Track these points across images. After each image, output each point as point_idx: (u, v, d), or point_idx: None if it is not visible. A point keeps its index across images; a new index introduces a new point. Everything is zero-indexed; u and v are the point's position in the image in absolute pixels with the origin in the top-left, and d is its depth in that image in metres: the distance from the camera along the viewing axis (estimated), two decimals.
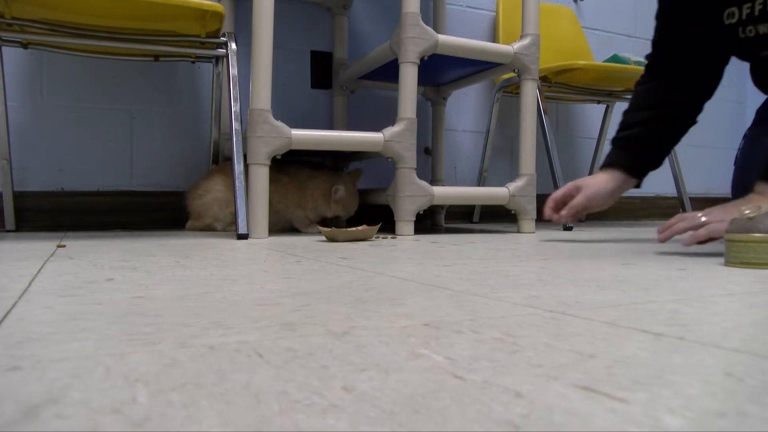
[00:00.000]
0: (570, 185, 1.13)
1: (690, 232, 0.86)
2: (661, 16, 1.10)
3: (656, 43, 1.13)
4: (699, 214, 0.87)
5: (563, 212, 1.10)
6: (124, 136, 1.62)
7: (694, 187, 2.48)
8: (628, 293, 0.52)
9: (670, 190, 2.21)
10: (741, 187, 1.16)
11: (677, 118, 1.12)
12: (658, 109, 1.11)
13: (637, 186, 1.15)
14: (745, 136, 1.20)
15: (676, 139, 1.14)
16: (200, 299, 0.49)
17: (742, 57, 1.01)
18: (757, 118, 1.19)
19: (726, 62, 1.09)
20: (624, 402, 0.24)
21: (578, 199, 1.09)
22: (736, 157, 1.21)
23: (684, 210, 2.01)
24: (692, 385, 0.26)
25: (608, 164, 1.14)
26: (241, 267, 0.72)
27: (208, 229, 1.48)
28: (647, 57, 1.15)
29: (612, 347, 0.33)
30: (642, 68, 1.20)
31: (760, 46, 0.95)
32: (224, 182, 1.44)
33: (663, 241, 0.91)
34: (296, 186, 1.45)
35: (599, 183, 1.10)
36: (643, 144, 1.12)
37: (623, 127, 1.15)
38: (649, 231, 1.58)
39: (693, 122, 1.14)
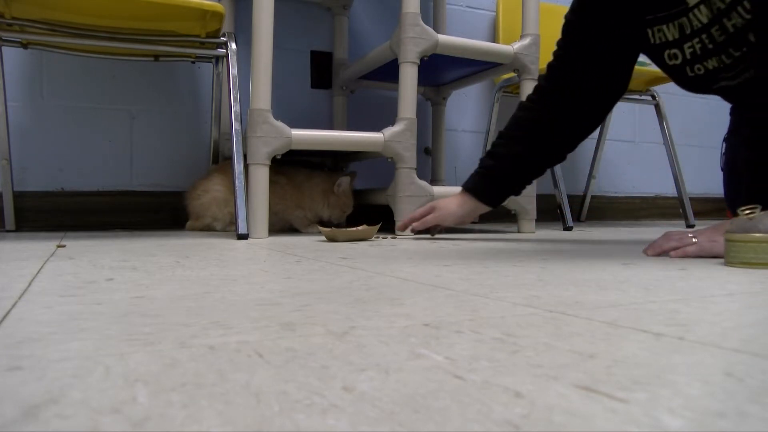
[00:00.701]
0: (429, 205, 1.24)
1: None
2: (563, 45, 1.08)
3: (552, 67, 1.10)
4: (689, 234, 0.86)
5: (415, 224, 1.22)
6: (124, 136, 1.62)
7: (694, 187, 2.48)
8: (628, 293, 0.52)
9: (670, 190, 2.21)
10: (733, 192, 1.16)
11: (547, 156, 1.13)
12: (530, 143, 1.11)
13: (494, 208, 1.22)
14: (726, 140, 1.19)
15: (540, 174, 1.17)
16: (200, 299, 0.49)
17: (697, 91, 1.00)
18: (732, 126, 1.18)
19: (614, 104, 1.09)
20: (624, 402, 0.24)
21: (429, 218, 1.21)
22: (722, 163, 1.21)
23: (684, 210, 2.01)
24: (692, 385, 0.26)
25: (466, 188, 1.19)
26: (241, 267, 0.72)
27: (208, 229, 1.48)
28: (539, 78, 1.13)
29: (612, 347, 0.33)
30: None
31: (713, 80, 0.94)
32: (222, 182, 1.44)
33: (651, 255, 0.88)
34: (294, 187, 1.45)
35: (451, 207, 1.19)
36: (504, 178, 1.15)
37: (491, 154, 1.15)
38: (649, 231, 1.58)
39: (562, 159, 1.16)
